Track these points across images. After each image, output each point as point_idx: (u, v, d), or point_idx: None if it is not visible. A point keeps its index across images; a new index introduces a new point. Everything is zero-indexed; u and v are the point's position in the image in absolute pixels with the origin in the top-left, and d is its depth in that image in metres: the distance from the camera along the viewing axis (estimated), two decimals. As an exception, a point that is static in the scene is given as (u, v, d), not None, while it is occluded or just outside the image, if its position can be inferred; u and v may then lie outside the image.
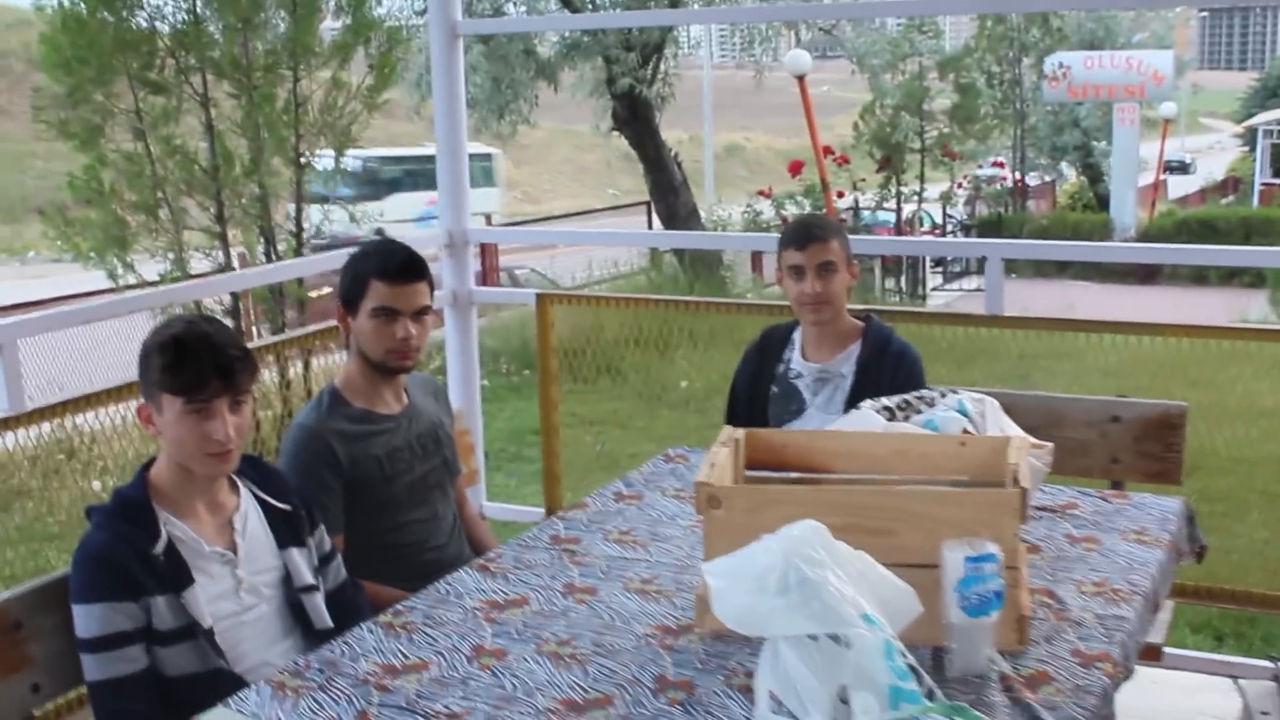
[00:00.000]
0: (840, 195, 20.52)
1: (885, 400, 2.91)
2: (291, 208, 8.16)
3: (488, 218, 25.58)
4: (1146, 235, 27.28)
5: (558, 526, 3.00)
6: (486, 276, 16.53)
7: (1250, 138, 39.63)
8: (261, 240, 7.98)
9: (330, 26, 8.52)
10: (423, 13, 15.89)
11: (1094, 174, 33.39)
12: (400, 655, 2.36)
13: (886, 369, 3.61)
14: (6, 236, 34.59)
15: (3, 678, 2.54)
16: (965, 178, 27.68)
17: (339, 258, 3.48)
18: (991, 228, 26.72)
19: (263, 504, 2.81)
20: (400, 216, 23.61)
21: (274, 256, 8.04)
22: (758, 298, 14.01)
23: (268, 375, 6.30)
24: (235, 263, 8.06)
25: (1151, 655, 3.40)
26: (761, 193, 20.87)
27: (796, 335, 3.82)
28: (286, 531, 2.82)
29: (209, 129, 7.92)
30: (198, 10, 7.97)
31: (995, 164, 29.66)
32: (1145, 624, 2.54)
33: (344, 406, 3.28)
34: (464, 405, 4.99)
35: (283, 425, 5.79)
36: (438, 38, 4.93)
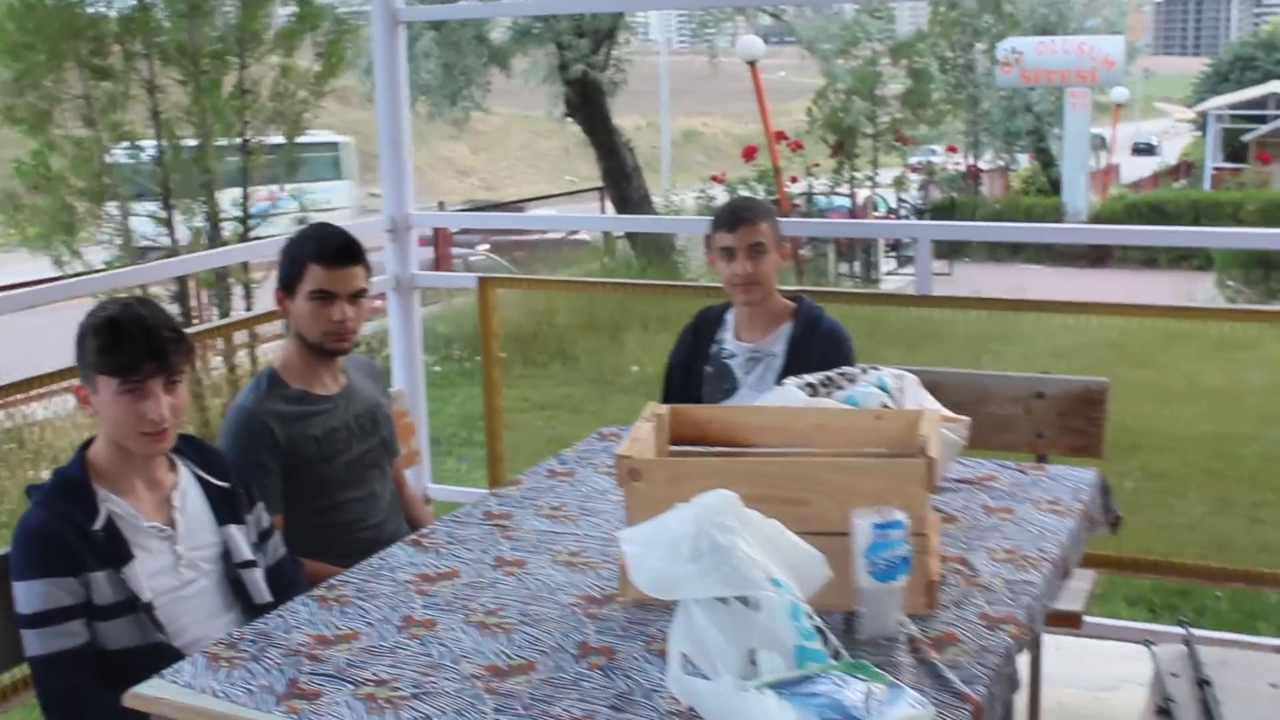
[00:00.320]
0: (794, 180, 20.62)
1: (808, 377, 2.99)
2: (238, 192, 8.20)
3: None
4: (1098, 219, 27.55)
5: (491, 503, 3.07)
6: (440, 263, 16.55)
7: (1202, 122, 39.97)
8: (207, 225, 8.02)
9: (281, 14, 8.55)
10: (370, -1, 15.90)
11: (1046, 159, 33.64)
12: (332, 626, 2.42)
13: (816, 348, 3.69)
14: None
15: (-56, 655, 2.60)
16: (919, 163, 27.81)
17: (278, 243, 3.54)
18: (944, 212, 26.91)
19: (202, 482, 2.88)
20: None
21: (219, 241, 8.07)
22: (710, 282, 14.08)
23: (216, 361, 6.35)
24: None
25: (1071, 623, 3.52)
26: (715, 178, 20.94)
27: (730, 316, 3.91)
28: (225, 509, 2.89)
29: (155, 115, 7.94)
30: (145, -4, 7.99)
31: (949, 149, 29.83)
32: (1054, 589, 2.63)
33: (282, 388, 3.35)
34: (408, 389, 5.05)
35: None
36: (379, 24, 4.98)
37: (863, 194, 24.20)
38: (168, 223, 7.89)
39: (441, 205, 24.83)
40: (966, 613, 2.38)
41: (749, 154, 20.26)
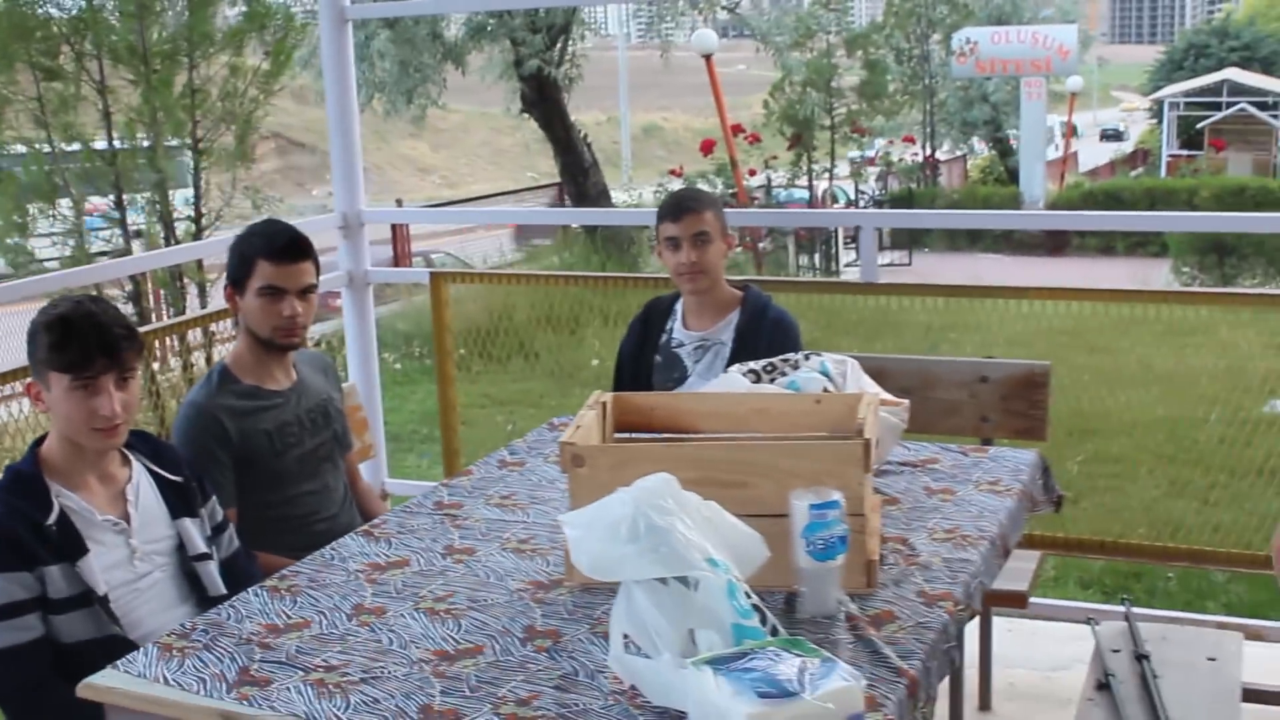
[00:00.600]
0: (753, 173, 20.71)
1: (752, 364, 3.04)
2: (190, 192, 8.21)
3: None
4: (1054, 206, 27.71)
5: (442, 493, 3.11)
6: (399, 260, 16.55)
7: (1158, 110, 40.21)
8: (160, 225, 8.02)
9: (230, 14, 8.56)
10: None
11: (1004, 148, 33.83)
12: (283, 616, 2.46)
13: (764, 336, 3.75)
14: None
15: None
16: (877, 154, 27.94)
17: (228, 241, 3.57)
18: (903, 203, 27.05)
19: (155, 476, 2.91)
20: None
21: (172, 240, 8.08)
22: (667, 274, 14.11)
23: (171, 361, 6.35)
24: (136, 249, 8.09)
25: (1017, 602, 3.59)
26: (673, 172, 21.03)
27: (679, 306, 3.96)
28: (179, 502, 2.92)
29: (106, 116, 7.94)
30: (93, -3, 7.98)
31: (906, 139, 29.97)
32: (993, 567, 2.68)
33: (233, 383, 3.38)
34: (363, 384, 5.08)
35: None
36: (326, 22, 5.01)
37: (821, 186, 24.31)
38: (121, 222, 7.90)
39: (399, 203, 24.82)
40: (905, 591, 2.44)
41: (706, 147, 20.36)
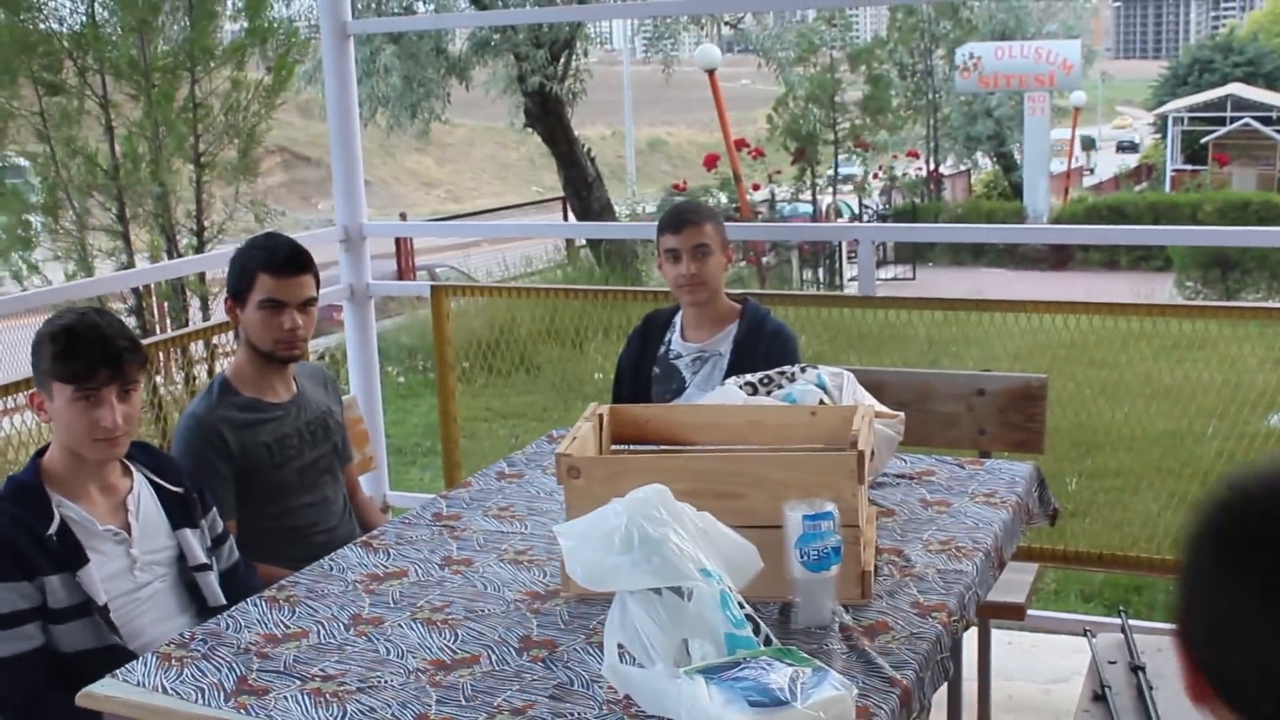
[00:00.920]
0: (756, 188, 20.74)
1: (749, 377, 3.06)
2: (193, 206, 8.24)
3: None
4: (1058, 221, 27.74)
5: (440, 505, 3.13)
6: (403, 274, 16.58)
7: (1162, 125, 40.25)
8: (163, 238, 8.05)
9: (232, 28, 8.60)
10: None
11: (1008, 163, 33.87)
12: (282, 625, 2.48)
13: (762, 348, 3.77)
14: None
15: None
16: (880, 168, 27.98)
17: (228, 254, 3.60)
18: (907, 217, 27.08)
19: (156, 487, 2.93)
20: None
21: (175, 254, 8.11)
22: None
23: (174, 373, 6.38)
24: (139, 262, 8.12)
25: (1014, 614, 3.59)
26: (676, 186, 21.07)
27: (677, 319, 3.98)
28: (179, 513, 2.94)
29: (109, 130, 7.97)
30: (95, 13, 8.00)
31: (910, 154, 30.02)
32: (987, 578, 2.70)
33: (233, 395, 3.40)
34: (365, 396, 5.10)
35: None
36: (328, 36, 5.04)
37: (825, 200, 24.34)
38: (124, 236, 7.93)
39: (403, 217, 24.87)
40: (899, 601, 2.45)
41: (710, 162, 20.40)
